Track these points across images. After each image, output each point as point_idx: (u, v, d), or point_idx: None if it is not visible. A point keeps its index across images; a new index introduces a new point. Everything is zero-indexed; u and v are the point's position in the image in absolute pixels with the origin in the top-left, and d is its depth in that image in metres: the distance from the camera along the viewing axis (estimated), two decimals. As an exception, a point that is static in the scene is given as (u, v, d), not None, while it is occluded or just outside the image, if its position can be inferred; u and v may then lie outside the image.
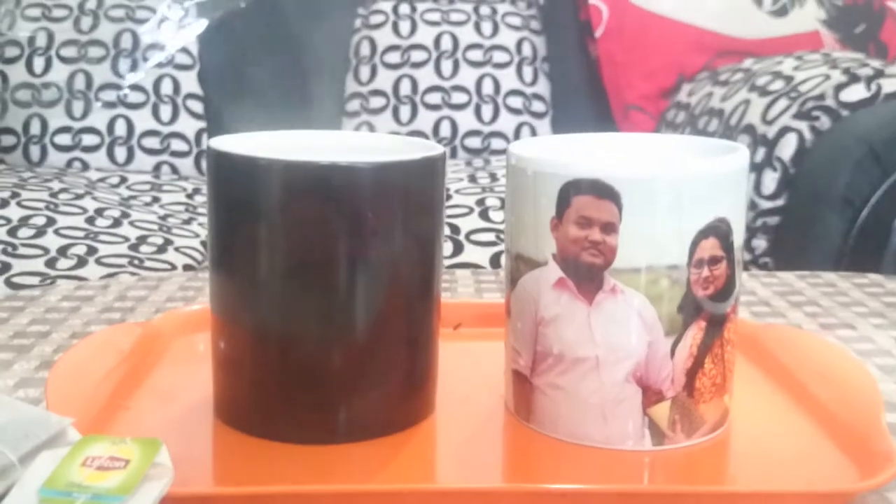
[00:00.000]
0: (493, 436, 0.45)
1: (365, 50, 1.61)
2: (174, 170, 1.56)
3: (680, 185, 0.40)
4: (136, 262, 1.09)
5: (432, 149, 0.45)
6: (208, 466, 0.42)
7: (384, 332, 0.43)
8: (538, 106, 1.59)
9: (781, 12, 1.48)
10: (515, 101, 1.57)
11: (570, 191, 0.41)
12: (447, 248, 1.12)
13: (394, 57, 1.59)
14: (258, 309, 0.42)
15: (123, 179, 1.45)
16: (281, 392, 0.43)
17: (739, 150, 0.43)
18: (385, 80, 1.58)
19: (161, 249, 1.14)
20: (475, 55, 1.59)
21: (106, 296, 0.67)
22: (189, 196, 1.41)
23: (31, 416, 0.38)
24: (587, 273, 0.41)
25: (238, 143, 0.45)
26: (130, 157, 1.53)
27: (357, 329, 0.42)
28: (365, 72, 1.60)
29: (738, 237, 0.43)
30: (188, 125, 1.56)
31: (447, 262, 1.09)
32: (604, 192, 0.40)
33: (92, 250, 1.09)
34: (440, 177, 0.45)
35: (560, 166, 0.41)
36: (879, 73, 1.06)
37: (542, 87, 1.60)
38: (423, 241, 0.44)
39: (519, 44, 1.60)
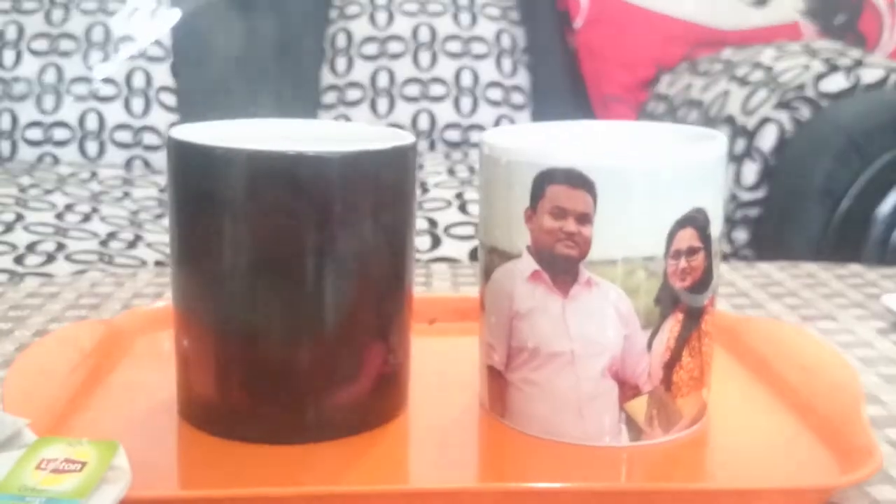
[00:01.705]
0: (467, 433, 0.44)
1: (341, 41, 1.59)
2: (147, 164, 1.53)
3: (656, 175, 0.39)
4: (105, 258, 1.07)
5: (403, 138, 0.43)
6: (172, 468, 0.41)
7: (353, 328, 0.42)
8: (517, 98, 1.57)
9: (761, 3, 1.48)
10: (495, 94, 1.56)
11: (544, 181, 0.40)
12: (425, 241, 1.10)
13: (371, 48, 1.57)
14: (222, 305, 0.41)
15: (94, 174, 1.42)
16: (246, 391, 0.41)
17: (717, 137, 0.42)
18: (362, 71, 1.57)
19: (131, 245, 1.12)
20: (454, 46, 1.57)
21: (72, 293, 0.65)
22: (161, 191, 1.39)
23: (-17, 417, 0.36)
24: (562, 265, 0.40)
25: (203, 132, 0.43)
26: (102, 151, 1.51)
27: (325, 324, 0.41)
28: (341, 63, 1.58)
29: (716, 228, 0.42)
30: (161, 118, 1.54)
31: (425, 257, 1.08)
32: (578, 181, 0.39)
33: (61, 247, 1.07)
34: (411, 167, 0.43)
35: (534, 155, 0.40)
36: (859, 64, 1.06)
37: (522, 78, 1.58)
38: (393, 234, 0.43)
39: (498, 35, 1.59)
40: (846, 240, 1.02)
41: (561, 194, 0.40)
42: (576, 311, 0.40)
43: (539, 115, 1.57)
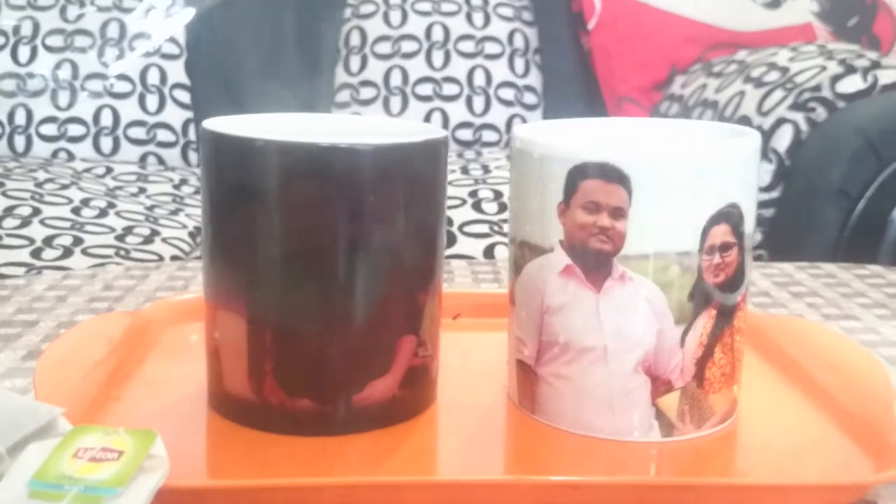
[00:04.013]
0: (496, 427, 0.44)
1: (355, 40, 1.59)
2: (160, 160, 1.54)
3: (692, 169, 0.39)
4: (122, 252, 1.07)
5: (434, 132, 0.43)
6: (205, 459, 0.41)
7: (386, 320, 0.42)
8: (530, 98, 1.57)
9: (774, 4, 1.47)
10: (507, 93, 1.56)
11: (578, 175, 0.40)
12: (439, 239, 1.10)
13: (384, 47, 1.58)
14: (255, 297, 0.41)
15: (109, 170, 1.42)
16: (279, 383, 0.41)
17: (751, 134, 0.42)
18: (375, 70, 1.57)
19: (148, 240, 1.13)
20: (467, 46, 1.57)
21: (93, 285, 0.65)
22: (176, 187, 1.39)
23: (19, 405, 0.36)
24: (595, 260, 0.40)
25: (233, 125, 0.43)
26: (116, 147, 1.51)
27: (358, 316, 0.41)
28: (355, 62, 1.58)
29: (749, 224, 0.42)
30: (175, 115, 1.54)
31: (440, 254, 1.08)
32: (613, 175, 0.39)
33: (78, 241, 1.07)
34: (442, 161, 0.43)
35: (567, 150, 0.40)
36: (876, 65, 1.06)
37: (534, 78, 1.58)
38: (424, 227, 0.43)
39: (511, 35, 1.59)
40: (861, 241, 1.02)
41: (595, 189, 0.40)
42: (609, 306, 0.40)
43: (551, 115, 1.57)
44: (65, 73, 1.50)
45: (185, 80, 1.56)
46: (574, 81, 1.60)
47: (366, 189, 0.40)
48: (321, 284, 0.40)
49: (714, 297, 0.41)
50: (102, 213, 1.17)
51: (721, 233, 0.40)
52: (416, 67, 1.56)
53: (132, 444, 0.34)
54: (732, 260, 0.41)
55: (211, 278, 0.43)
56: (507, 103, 1.56)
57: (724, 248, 0.41)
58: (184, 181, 1.42)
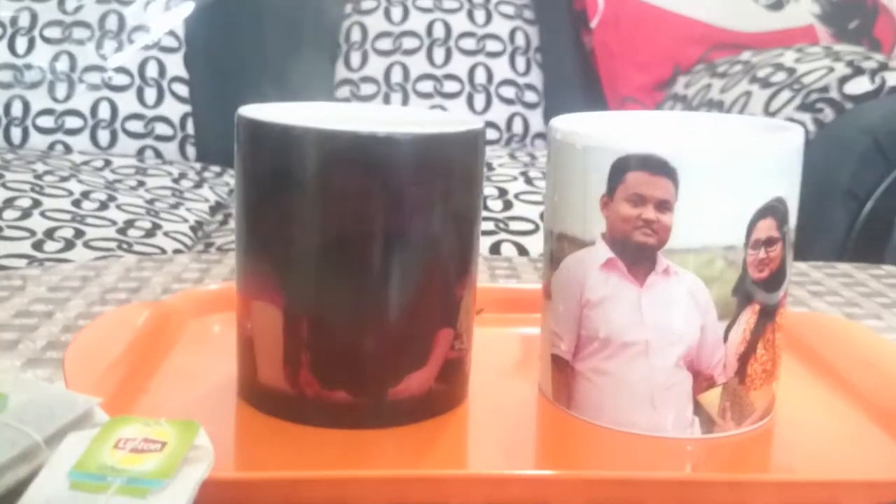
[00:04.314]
0: (533, 422, 0.43)
1: (356, 35, 1.58)
2: (158, 154, 1.52)
3: (740, 162, 0.39)
4: (124, 246, 1.06)
5: (472, 122, 0.43)
6: (240, 451, 0.40)
7: (424, 312, 0.41)
8: (531, 96, 1.57)
9: (777, 6, 1.48)
10: (508, 91, 1.56)
11: (623, 166, 0.39)
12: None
13: (385, 43, 1.57)
14: (291, 286, 0.40)
15: (108, 163, 1.41)
16: (315, 375, 0.40)
17: (794, 128, 0.42)
18: (376, 66, 1.56)
19: (150, 234, 1.11)
20: (468, 44, 1.57)
21: (109, 276, 0.64)
22: (175, 181, 1.38)
23: (55, 395, 0.35)
24: (639, 253, 0.40)
25: (269, 112, 0.43)
26: (114, 140, 1.50)
27: (396, 308, 0.40)
28: (356, 58, 1.57)
29: (793, 220, 0.41)
30: (173, 109, 1.53)
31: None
32: (659, 168, 0.39)
33: (80, 233, 1.05)
34: (481, 152, 0.43)
35: (612, 141, 0.40)
36: (884, 67, 1.06)
37: (535, 77, 1.58)
38: (463, 219, 0.42)
39: (512, 33, 1.58)
40: (869, 242, 1.02)
41: (641, 181, 0.39)
42: (652, 300, 0.40)
43: (552, 113, 1.57)
44: (62, 64, 1.48)
45: (183, 73, 1.54)
46: (575, 80, 1.60)
47: (407, 178, 0.39)
48: (359, 275, 0.40)
49: (757, 293, 0.40)
50: (103, 205, 1.16)
51: (766, 227, 0.40)
52: (417, 64, 1.55)
53: (175, 435, 0.33)
54: (776, 255, 0.41)
55: (245, 268, 0.42)
56: (508, 101, 1.55)
57: (769, 242, 0.40)
58: (183, 175, 1.41)
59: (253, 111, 0.42)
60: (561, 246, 0.42)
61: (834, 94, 1.05)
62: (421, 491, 0.35)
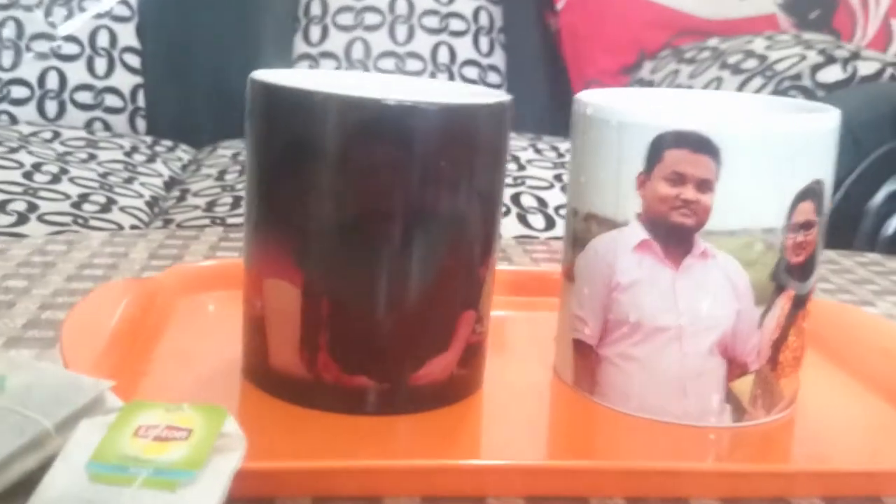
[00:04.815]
0: (556, 409, 0.42)
1: (316, 9, 1.54)
2: (107, 126, 1.47)
3: (783, 142, 0.37)
4: (80, 220, 1.01)
5: (498, 94, 0.41)
6: (257, 439, 0.37)
7: (449, 293, 0.39)
8: (493, 77, 1.55)
9: (741, -6, 1.48)
10: (471, 72, 1.53)
11: (663, 144, 0.38)
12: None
13: (346, 18, 1.53)
14: (311, 264, 0.38)
15: (57, 134, 1.35)
16: (332, 358, 0.38)
17: (831, 109, 0.41)
18: (336, 42, 1.52)
19: (105, 209, 1.07)
20: (431, 21, 1.54)
21: (80, 251, 0.60)
22: (127, 154, 1.33)
23: (60, 379, 0.33)
24: (676, 235, 0.38)
25: (282, 78, 0.40)
26: (62, 111, 1.44)
27: (420, 289, 0.38)
28: (315, 32, 1.53)
29: (828, 202, 0.40)
30: (124, 80, 1.47)
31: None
32: (702, 146, 0.37)
33: (33, 207, 1.01)
34: (507, 126, 0.40)
35: (651, 117, 0.38)
36: (855, 56, 1.06)
37: (498, 58, 1.56)
38: (488, 196, 0.40)
39: (476, 12, 1.56)
40: (837, 231, 1.02)
41: (681, 159, 0.37)
42: (687, 284, 0.38)
43: (514, 95, 1.55)
44: (9, 31, 1.42)
45: (135, 43, 1.49)
46: (538, 62, 1.59)
47: (437, 151, 0.37)
48: (384, 252, 0.37)
49: (793, 278, 0.39)
50: (55, 178, 1.11)
51: (806, 210, 0.39)
52: (379, 41, 1.52)
53: (201, 422, 0.31)
54: (812, 239, 0.40)
55: (258, 244, 0.39)
56: (471, 82, 1.53)
57: (808, 226, 0.39)
58: (135, 149, 1.36)
59: (267, 76, 0.39)
60: (588, 226, 0.41)
61: (807, 81, 1.05)
62: (458, 482, 0.33)
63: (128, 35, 1.48)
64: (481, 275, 0.40)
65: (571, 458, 0.38)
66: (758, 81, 1.09)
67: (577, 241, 0.42)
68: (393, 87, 0.42)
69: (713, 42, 1.29)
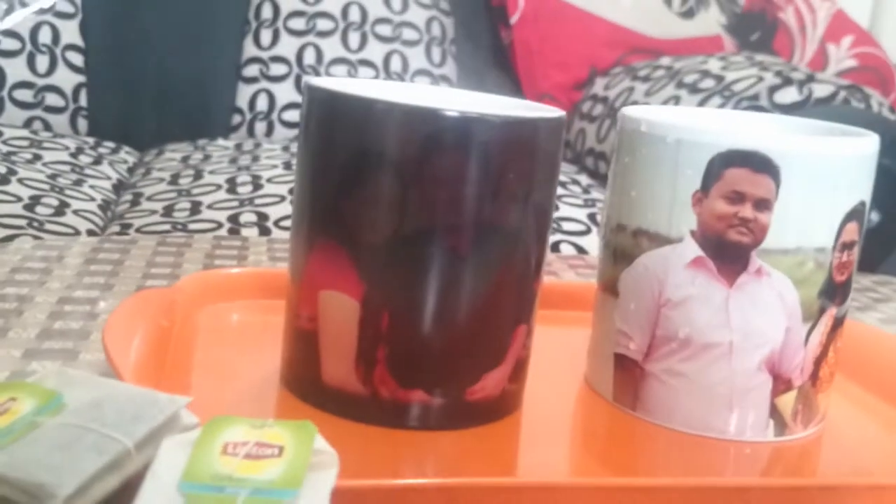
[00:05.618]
0: (602, 426, 0.42)
1: (267, 12, 1.52)
2: (47, 126, 1.42)
3: (839, 163, 0.38)
4: (35, 224, 0.97)
5: (548, 109, 0.41)
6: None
7: (506, 308, 0.39)
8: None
9: (689, 14, 1.52)
10: (423, 82, 1.53)
11: (722, 163, 0.38)
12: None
13: (298, 23, 1.51)
14: (371, 277, 0.37)
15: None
16: (390, 372, 0.37)
17: (870, 133, 0.42)
18: (288, 46, 1.50)
19: (59, 212, 1.03)
20: (384, 30, 1.53)
21: (71, 257, 0.58)
22: (73, 155, 1.29)
23: (134, 395, 0.31)
24: (731, 252, 0.39)
25: (339, 86, 0.39)
26: (0, 109, 1.38)
27: (481, 303, 0.38)
28: (266, 36, 1.51)
29: (866, 223, 0.42)
30: (66, 79, 1.42)
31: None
32: (762, 165, 0.38)
33: (-16, 208, 0.96)
34: (563, 141, 0.41)
35: (711, 135, 0.38)
36: (810, 78, 1.10)
37: (450, 69, 1.56)
38: (542, 210, 0.40)
39: (428, 23, 1.56)
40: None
41: (741, 178, 0.38)
42: (741, 301, 0.39)
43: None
44: (-55, 23, 1.35)
45: (79, 41, 1.44)
46: (488, 74, 1.59)
47: (502, 164, 0.37)
48: (447, 266, 0.37)
49: (837, 295, 0.40)
50: (4, 179, 1.06)
51: (852, 230, 0.40)
52: (332, 47, 1.51)
53: (290, 439, 0.30)
54: (853, 259, 0.41)
55: (313, 256, 0.38)
56: (423, 92, 1.53)
57: (851, 245, 0.40)
58: (80, 150, 1.32)
59: (326, 83, 0.38)
60: (637, 242, 0.41)
61: (764, 102, 1.08)
62: (533, 499, 0.33)
63: (71, 32, 1.43)
64: (534, 289, 0.40)
65: (625, 474, 0.38)
66: (716, 101, 1.12)
67: (623, 257, 0.42)
68: (447, 100, 0.42)
69: (666, 61, 1.32)
